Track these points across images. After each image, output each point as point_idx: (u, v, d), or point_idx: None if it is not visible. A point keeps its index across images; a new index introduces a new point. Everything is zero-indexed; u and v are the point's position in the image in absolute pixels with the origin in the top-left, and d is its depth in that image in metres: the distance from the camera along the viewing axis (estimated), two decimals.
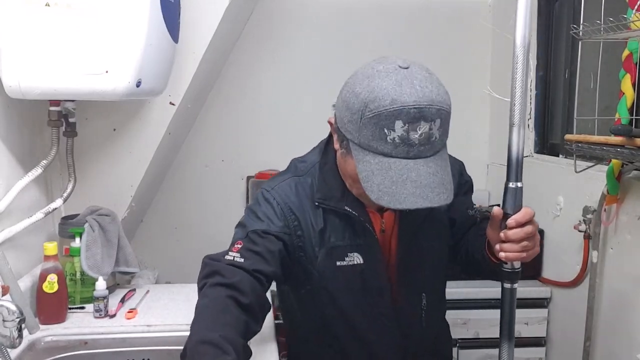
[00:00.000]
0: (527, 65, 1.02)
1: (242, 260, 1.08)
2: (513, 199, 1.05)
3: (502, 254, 1.04)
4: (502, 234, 1.04)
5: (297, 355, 1.33)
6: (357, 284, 1.17)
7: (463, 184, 1.32)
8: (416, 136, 0.96)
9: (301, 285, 1.21)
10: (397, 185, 0.95)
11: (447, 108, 1.00)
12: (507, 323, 1.10)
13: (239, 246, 1.12)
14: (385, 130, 0.96)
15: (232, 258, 1.10)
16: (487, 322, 2.04)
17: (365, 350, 1.22)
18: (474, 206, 1.16)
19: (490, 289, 2.01)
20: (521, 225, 1.02)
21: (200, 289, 1.08)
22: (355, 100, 1.01)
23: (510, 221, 1.02)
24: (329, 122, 1.15)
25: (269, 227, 1.14)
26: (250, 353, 1.00)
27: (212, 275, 1.07)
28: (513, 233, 1.02)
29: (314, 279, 1.17)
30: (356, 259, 1.15)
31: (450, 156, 1.06)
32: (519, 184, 1.06)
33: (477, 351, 2.08)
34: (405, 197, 0.95)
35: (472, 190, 1.35)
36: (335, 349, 1.23)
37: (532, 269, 2.13)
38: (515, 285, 1.09)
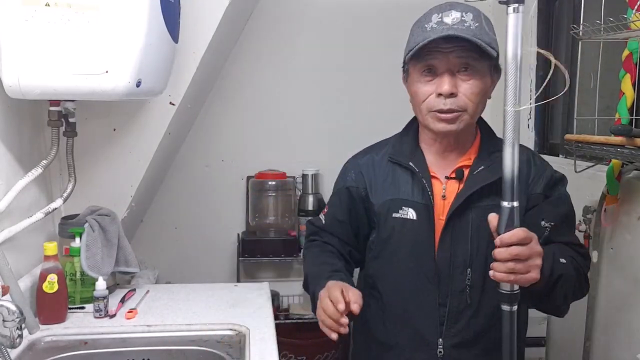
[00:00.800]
0: (519, 82, 1.01)
1: (324, 223, 1.37)
2: (506, 218, 1.01)
3: (490, 272, 1.04)
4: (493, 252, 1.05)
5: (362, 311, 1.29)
6: (407, 238, 1.23)
7: (551, 197, 1.25)
8: (449, 19, 1.13)
9: (369, 235, 1.32)
10: (430, 35, 1.13)
11: (482, 14, 1.16)
12: (507, 346, 1.07)
13: (326, 210, 1.39)
14: (425, 25, 1.15)
15: (321, 218, 1.39)
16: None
17: (402, 308, 1.24)
18: (550, 222, 1.20)
19: None
20: (507, 245, 1.00)
21: (305, 244, 1.44)
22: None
23: (496, 240, 1.01)
24: (403, 83, 1.29)
25: (342, 184, 1.35)
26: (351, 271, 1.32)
27: (313, 234, 1.41)
28: (497, 252, 1.01)
29: (375, 226, 1.29)
30: (410, 214, 1.23)
31: (546, 165, 1.28)
32: (515, 204, 1.01)
33: None
34: (436, 33, 1.12)
35: (563, 200, 1.25)
36: (378, 304, 1.28)
37: None
38: (514, 308, 1.06)
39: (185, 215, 2.57)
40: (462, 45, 1.12)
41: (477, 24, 1.13)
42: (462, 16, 1.13)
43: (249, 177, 2.59)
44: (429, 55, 1.15)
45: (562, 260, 1.13)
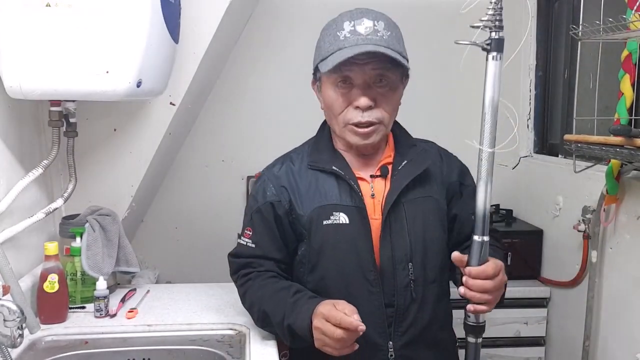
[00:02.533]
0: (495, 124, 1.05)
1: (254, 246, 1.27)
2: (478, 253, 1.07)
3: (461, 289, 1.09)
4: (463, 279, 1.09)
5: None
6: (343, 243, 1.20)
7: (467, 186, 1.34)
8: (362, 29, 1.13)
9: (298, 248, 1.27)
10: (345, 51, 1.12)
11: (390, 21, 1.19)
12: None
13: (249, 232, 1.29)
14: (337, 33, 1.15)
15: (245, 243, 1.29)
16: (487, 322, 2.04)
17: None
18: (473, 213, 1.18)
19: None
20: (475, 278, 1.07)
21: (237, 282, 1.31)
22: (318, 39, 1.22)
23: (465, 271, 1.07)
24: (312, 86, 1.32)
25: (264, 200, 1.27)
26: None
27: (244, 267, 1.29)
28: (472, 283, 1.07)
29: (305, 238, 1.23)
30: (342, 218, 1.20)
31: (454, 157, 1.33)
32: (485, 238, 1.06)
33: None
34: (350, 50, 1.11)
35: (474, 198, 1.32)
36: None
37: (531, 269, 2.14)
38: (479, 340, 1.11)
39: (185, 215, 2.57)
40: (377, 57, 1.12)
41: (389, 33, 1.15)
42: (374, 25, 1.13)
43: (249, 177, 2.59)
44: (344, 66, 1.13)
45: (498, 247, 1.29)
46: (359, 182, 1.23)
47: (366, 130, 1.18)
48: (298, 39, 2.58)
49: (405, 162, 1.25)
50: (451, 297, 1.34)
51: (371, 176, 1.25)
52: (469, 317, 1.10)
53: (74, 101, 1.46)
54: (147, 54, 1.33)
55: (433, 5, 2.43)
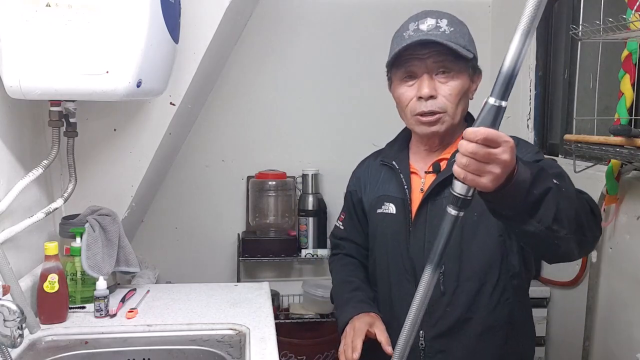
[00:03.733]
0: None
1: (343, 229, 1.47)
2: (485, 114, 0.85)
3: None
4: None
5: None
6: (389, 232, 1.31)
7: (541, 160, 1.27)
8: (424, 26, 1.19)
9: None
10: (405, 42, 1.19)
11: (456, 19, 1.22)
12: (437, 248, 0.93)
13: (343, 216, 1.48)
14: (404, 34, 1.22)
15: (338, 226, 1.49)
16: None
17: (388, 301, 1.31)
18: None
19: None
20: (469, 140, 0.86)
21: (329, 259, 1.54)
22: None
23: (464, 133, 0.88)
24: (389, 90, 1.35)
25: (347, 189, 1.47)
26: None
27: (335, 248, 1.52)
28: (459, 144, 0.88)
29: (369, 224, 1.39)
30: (390, 208, 1.31)
31: (530, 144, 1.27)
32: (503, 103, 0.84)
33: None
34: (411, 39, 1.18)
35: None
36: (375, 296, 1.36)
37: None
38: (460, 214, 0.91)
39: (185, 215, 2.58)
40: (438, 49, 1.18)
41: (452, 29, 1.20)
42: (437, 22, 1.20)
43: (249, 177, 2.59)
44: (407, 62, 1.22)
45: (555, 181, 0.99)
46: (412, 176, 1.31)
47: (430, 119, 1.23)
48: (298, 39, 2.59)
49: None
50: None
51: (425, 172, 1.30)
52: (457, 185, 0.91)
53: (74, 101, 1.46)
54: (147, 54, 1.33)
55: (432, 5, 2.43)
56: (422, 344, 1.24)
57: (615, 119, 1.49)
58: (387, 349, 1.18)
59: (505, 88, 0.84)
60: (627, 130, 1.38)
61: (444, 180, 1.22)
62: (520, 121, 2.38)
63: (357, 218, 1.43)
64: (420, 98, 1.22)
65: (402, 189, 1.29)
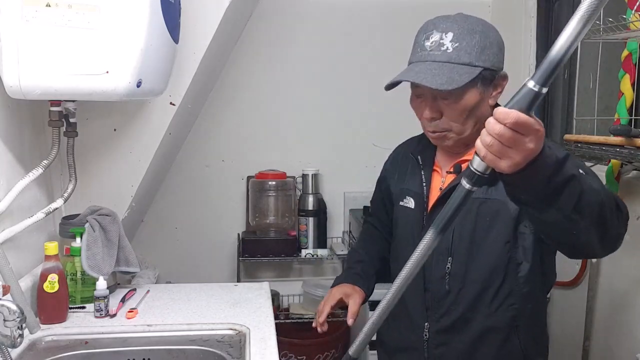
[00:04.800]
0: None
1: (371, 207, 1.58)
2: (521, 98, 0.80)
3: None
4: None
5: None
6: (406, 225, 1.35)
7: None
8: (428, 43, 1.19)
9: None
10: (403, 73, 1.20)
11: (466, 29, 1.17)
12: (445, 215, 0.91)
13: (374, 195, 1.55)
14: (417, 46, 1.23)
15: (370, 204, 1.59)
16: None
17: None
18: None
19: None
20: (497, 120, 0.82)
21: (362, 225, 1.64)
22: None
23: (494, 110, 0.83)
24: None
25: (381, 172, 1.52)
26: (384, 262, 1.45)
27: (367, 215, 1.66)
28: (487, 122, 0.84)
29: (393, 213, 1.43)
30: (410, 203, 1.34)
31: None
32: (544, 90, 0.78)
33: None
34: (401, 76, 1.18)
35: None
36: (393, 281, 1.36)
37: None
38: (474, 189, 0.88)
39: (185, 215, 2.58)
40: (439, 72, 1.15)
41: (456, 45, 1.17)
42: (440, 38, 1.18)
43: (249, 177, 2.59)
44: (412, 83, 1.23)
45: (580, 171, 0.94)
46: (434, 173, 1.33)
47: (435, 135, 1.26)
48: (298, 39, 2.59)
49: None
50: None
51: (447, 172, 1.31)
52: (475, 160, 0.87)
53: (74, 101, 1.46)
54: (147, 54, 1.33)
55: (432, 5, 2.42)
56: (426, 335, 1.28)
57: (615, 119, 1.49)
58: (349, 320, 1.28)
59: (549, 74, 0.77)
60: (627, 130, 1.38)
61: (456, 181, 1.22)
62: None
63: (382, 201, 1.49)
64: (424, 118, 1.25)
65: (421, 185, 1.32)
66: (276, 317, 1.63)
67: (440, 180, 1.31)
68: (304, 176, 2.56)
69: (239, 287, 1.73)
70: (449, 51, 1.17)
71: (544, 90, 0.78)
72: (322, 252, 2.49)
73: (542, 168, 0.86)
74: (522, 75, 2.33)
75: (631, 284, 1.59)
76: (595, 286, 1.73)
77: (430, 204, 1.29)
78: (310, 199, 2.53)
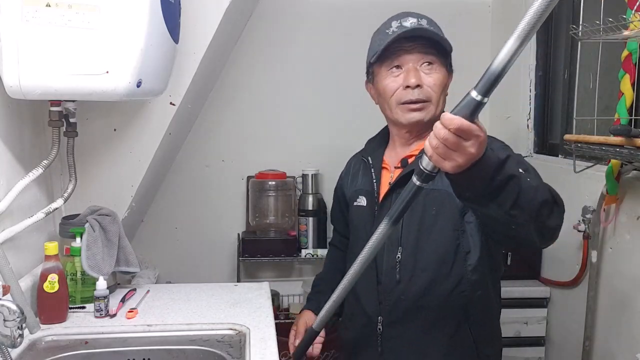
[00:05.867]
0: None
1: (332, 220, 1.66)
2: (465, 105, 0.85)
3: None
4: None
5: None
6: (359, 223, 1.41)
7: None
8: (407, 24, 1.29)
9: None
10: (390, 37, 1.28)
11: (433, 21, 1.33)
12: (397, 207, 1.01)
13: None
14: (386, 30, 1.31)
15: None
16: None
17: (354, 288, 1.30)
18: None
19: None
20: (443, 126, 0.87)
21: None
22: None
23: (442, 115, 0.89)
24: (366, 88, 1.45)
25: (337, 183, 1.59)
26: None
27: (332, 237, 1.69)
28: (435, 125, 0.89)
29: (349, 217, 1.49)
30: (362, 201, 1.41)
31: (496, 141, 1.27)
32: (485, 100, 0.84)
33: None
34: (396, 34, 1.28)
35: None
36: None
37: (531, 269, 2.14)
38: (423, 186, 0.96)
39: (185, 215, 2.58)
40: (423, 42, 1.28)
41: (431, 28, 1.30)
42: (418, 21, 1.30)
43: (249, 177, 2.59)
44: (394, 54, 1.30)
45: (520, 170, 1.02)
46: (383, 170, 1.40)
47: (416, 106, 1.30)
48: (298, 39, 2.59)
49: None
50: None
51: (395, 167, 1.38)
52: (424, 159, 0.94)
53: (74, 101, 1.46)
54: (147, 54, 1.33)
55: (432, 5, 2.43)
56: (380, 329, 1.32)
57: (615, 119, 1.49)
58: (290, 346, 1.49)
59: (490, 86, 0.84)
60: (627, 130, 1.38)
61: (409, 174, 1.21)
62: (520, 121, 2.38)
63: (339, 209, 1.57)
64: (407, 87, 1.29)
65: (372, 182, 1.38)
66: (276, 317, 1.63)
67: (389, 176, 1.37)
68: (304, 176, 2.56)
69: (239, 287, 1.73)
70: (429, 29, 1.29)
71: (485, 99, 0.85)
72: (322, 252, 2.49)
73: (483, 169, 0.93)
74: (523, 75, 2.34)
75: (631, 284, 1.59)
76: (595, 286, 1.73)
77: (381, 197, 1.35)
78: (310, 199, 2.53)
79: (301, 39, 2.59)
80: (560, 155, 2.13)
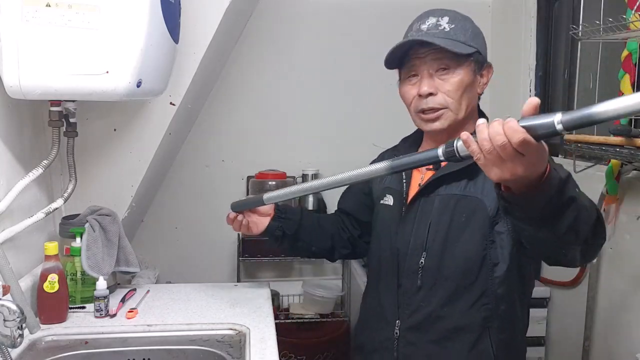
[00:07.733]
0: None
1: (342, 199, 1.56)
2: (541, 130, 0.78)
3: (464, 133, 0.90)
4: None
5: None
6: (384, 221, 1.36)
7: None
8: (425, 26, 1.23)
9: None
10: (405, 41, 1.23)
11: (459, 15, 1.24)
12: (404, 159, 1.03)
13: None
14: (408, 34, 1.27)
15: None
16: None
17: (375, 287, 1.35)
18: None
19: None
20: (504, 132, 0.81)
21: None
22: None
23: (507, 119, 0.82)
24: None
25: None
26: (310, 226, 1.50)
27: None
28: (491, 124, 0.83)
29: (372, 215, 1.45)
30: (389, 200, 1.37)
31: None
32: (563, 132, 0.78)
33: None
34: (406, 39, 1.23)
35: None
36: (369, 284, 1.42)
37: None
38: (441, 159, 0.92)
39: (185, 215, 2.58)
40: (436, 48, 1.21)
41: (452, 26, 1.23)
42: (437, 21, 1.24)
43: (249, 177, 2.59)
44: (409, 61, 1.27)
45: (577, 190, 0.94)
46: (414, 172, 1.35)
47: (431, 116, 1.26)
48: (298, 39, 2.59)
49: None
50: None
51: (426, 168, 1.32)
52: (461, 146, 0.89)
53: (74, 101, 1.46)
54: (147, 54, 1.33)
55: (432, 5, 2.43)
56: (397, 333, 1.27)
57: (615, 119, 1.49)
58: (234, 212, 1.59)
59: (579, 125, 0.77)
60: (627, 130, 1.38)
61: (440, 178, 1.24)
62: None
63: (357, 199, 1.49)
64: (420, 96, 1.25)
65: (401, 182, 1.34)
66: (276, 317, 1.63)
67: (419, 177, 1.33)
68: (304, 176, 2.56)
69: (239, 287, 1.73)
70: (446, 30, 1.22)
71: (564, 132, 0.78)
72: None
73: (546, 189, 0.85)
74: (522, 75, 2.34)
75: (631, 284, 1.59)
76: (595, 286, 1.73)
77: (410, 198, 1.31)
78: (310, 199, 2.53)
79: (301, 39, 2.59)
80: (560, 155, 2.13)
